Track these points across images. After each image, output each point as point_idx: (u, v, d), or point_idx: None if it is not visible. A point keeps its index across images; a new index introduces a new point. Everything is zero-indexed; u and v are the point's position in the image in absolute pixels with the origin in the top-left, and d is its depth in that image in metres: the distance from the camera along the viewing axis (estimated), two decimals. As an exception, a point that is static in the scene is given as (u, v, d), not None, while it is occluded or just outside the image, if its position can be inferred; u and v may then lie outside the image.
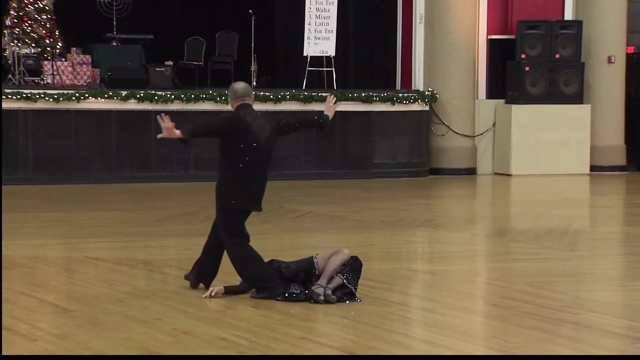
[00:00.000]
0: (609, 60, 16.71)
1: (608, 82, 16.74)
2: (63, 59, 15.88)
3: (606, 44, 16.69)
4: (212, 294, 6.80)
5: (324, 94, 15.44)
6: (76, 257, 8.70)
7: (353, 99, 15.54)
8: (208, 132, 7.26)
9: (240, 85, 7.02)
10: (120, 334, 5.88)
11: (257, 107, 15.02)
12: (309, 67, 15.85)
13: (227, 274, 7.38)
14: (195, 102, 14.88)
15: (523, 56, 16.38)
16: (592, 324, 6.28)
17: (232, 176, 6.86)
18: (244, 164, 6.82)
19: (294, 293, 6.75)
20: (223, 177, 6.93)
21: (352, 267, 6.82)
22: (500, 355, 5.49)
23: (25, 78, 14.92)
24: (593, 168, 16.56)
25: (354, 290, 6.77)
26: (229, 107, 15.28)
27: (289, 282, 6.84)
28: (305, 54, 15.91)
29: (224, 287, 6.88)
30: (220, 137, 6.94)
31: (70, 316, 6.35)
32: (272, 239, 9.67)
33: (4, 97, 14.07)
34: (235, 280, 7.05)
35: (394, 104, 15.79)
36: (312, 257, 6.95)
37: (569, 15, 16.89)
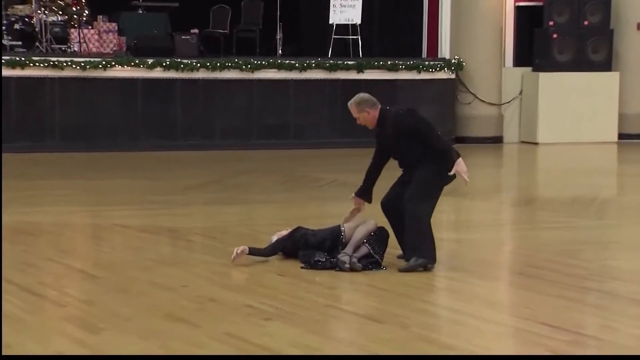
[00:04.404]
0: (639, 27, 16.51)
1: (637, 49, 16.56)
2: (90, 27, 15.91)
3: (635, 10, 16.49)
4: (239, 251, 6.83)
5: (349, 62, 15.40)
6: (103, 225, 8.76)
7: (379, 67, 15.48)
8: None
9: (367, 94, 6.95)
10: (147, 300, 5.93)
11: (282, 75, 15.21)
12: (335, 35, 15.78)
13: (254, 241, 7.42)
14: (220, 71, 14.88)
15: (551, 23, 16.22)
16: (619, 292, 6.26)
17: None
18: None
19: (320, 261, 6.77)
20: None
21: (379, 237, 6.82)
22: (504, 355, 5.48)
23: (52, 46, 14.98)
24: (621, 136, 16.44)
25: (379, 260, 6.77)
26: (254, 77, 15.26)
27: (314, 249, 6.86)
28: (331, 22, 15.84)
29: (249, 247, 6.91)
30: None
31: (97, 283, 6.41)
32: (296, 207, 9.69)
33: (30, 64, 14.15)
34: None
35: (419, 72, 15.71)
36: (339, 225, 6.96)
37: (598, -19, 16.69)
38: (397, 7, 17.68)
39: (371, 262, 6.75)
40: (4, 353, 4.80)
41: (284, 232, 7.12)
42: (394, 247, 7.01)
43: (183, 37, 15.26)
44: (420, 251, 6.69)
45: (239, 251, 6.83)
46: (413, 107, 7.16)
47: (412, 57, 16.29)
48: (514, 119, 16.54)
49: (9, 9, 15.41)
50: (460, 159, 6.75)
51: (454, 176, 6.83)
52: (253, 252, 6.92)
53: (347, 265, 6.67)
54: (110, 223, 8.70)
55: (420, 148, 6.75)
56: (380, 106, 6.90)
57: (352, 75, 15.27)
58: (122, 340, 5.08)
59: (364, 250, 6.76)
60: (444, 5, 16.42)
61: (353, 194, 7.08)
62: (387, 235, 6.87)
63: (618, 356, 4.93)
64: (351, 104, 6.90)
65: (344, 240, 6.85)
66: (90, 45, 15.48)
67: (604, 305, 5.98)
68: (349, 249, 6.76)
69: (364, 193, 7.04)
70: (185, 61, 14.75)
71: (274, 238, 7.11)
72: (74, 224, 8.83)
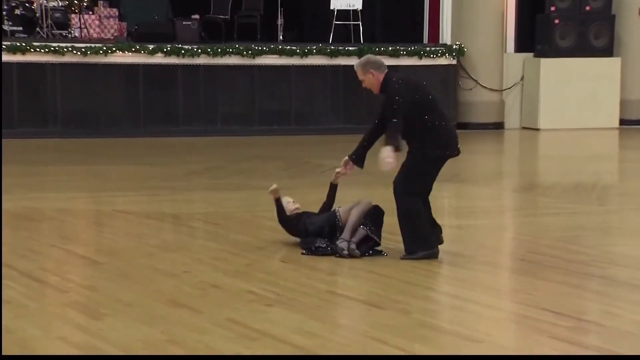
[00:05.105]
0: (640, 13, 16.48)
1: (639, 34, 16.51)
2: (90, 12, 15.88)
3: (637, -4, 16.45)
4: (274, 188, 7.10)
5: (350, 48, 15.37)
6: (105, 211, 8.77)
7: (380, 53, 15.40)
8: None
9: (374, 56, 6.70)
10: (150, 286, 5.94)
11: (284, 61, 15.18)
12: (336, 20, 15.74)
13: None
14: (221, 57, 14.86)
15: (552, 8, 16.17)
16: (620, 278, 6.27)
17: None
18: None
19: (320, 247, 6.79)
20: None
21: (374, 217, 6.80)
22: (515, 354, 5.48)
23: (53, 31, 14.95)
24: (622, 122, 16.42)
25: (377, 240, 6.77)
26: (255, 62, 15.22)
27: (315, 237, 6.87)
28: (332, 8, 15.80)
29: (280, 196, 7.12)
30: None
31: (100, 269, 6.42)
32: (299, 193, 9.66)
33: (31, 50, 14.14)
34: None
35: (421, 58, 15.68)
36: (334, 210, 6.97)
37: (600, -34, 16.64)
38: (399, -7, 17.64)
39: (370, 246, 6.76)
40: (4, 338, 4.81)
41: (292, 203, 7.13)
42: (396, 233, 7.01)
43: (184, 22, 15.23)
44: (422, 244, 6.61)
45: (274, 188, 7.08)
46: (415, 79, 6.79)
47: (414, 42, 16.25)
48: (515, 105, 16.52)
49: (9, -6, 15.39)
50: (386, 147, 6.34)
51: (444, 160, 6.62)
52: (277, 202, 7.11)
53: (346, 252, 6.68)
54: (112, 209, 8.71)
55: (409, 124, 6.44)
56: (387, 71, 6.63)
57: (353, 61, 15.06)
58: (124, 326, 5.09)
59: (361, 232, 6.76)
60: (445, -9, 16.38)
61: (347, 157, 6.96)
62: (382, 213, 6.84)
63: (618, 356, 4.93)
64: (357, 65, 6.64)
65: (340, 224, 6.84)
66: (91, 31, 15.45)
67: (606, 291, 5.99)
68: (346, 233, 6.76)
69: (357, 159, 6.88)
70: (186, 47, 14.73)
71: (284, 201, 7.16)
72: (76, 210, 8.84)
